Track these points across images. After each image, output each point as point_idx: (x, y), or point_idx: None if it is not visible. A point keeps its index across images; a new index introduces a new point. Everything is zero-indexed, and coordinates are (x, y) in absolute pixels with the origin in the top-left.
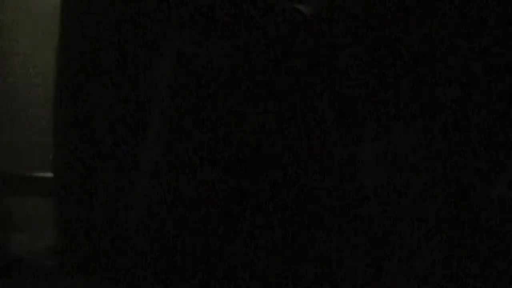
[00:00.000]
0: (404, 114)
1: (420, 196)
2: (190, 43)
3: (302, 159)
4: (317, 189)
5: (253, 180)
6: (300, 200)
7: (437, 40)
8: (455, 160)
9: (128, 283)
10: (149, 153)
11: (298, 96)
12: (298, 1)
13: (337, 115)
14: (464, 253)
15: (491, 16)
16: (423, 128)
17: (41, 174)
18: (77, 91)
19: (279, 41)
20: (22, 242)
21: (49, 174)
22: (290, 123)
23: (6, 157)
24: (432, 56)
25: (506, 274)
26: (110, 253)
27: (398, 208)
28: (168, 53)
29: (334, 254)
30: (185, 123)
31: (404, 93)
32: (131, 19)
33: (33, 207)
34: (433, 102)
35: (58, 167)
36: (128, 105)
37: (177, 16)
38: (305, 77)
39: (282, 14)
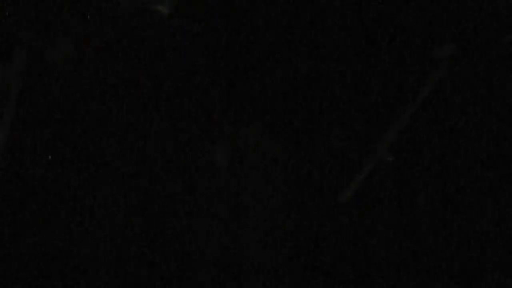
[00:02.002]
0: (248, 117)
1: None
2: (42, 41)
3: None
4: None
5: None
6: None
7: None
8: (303, 164)
9: None
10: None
11: (164, 96)
12: (157, 2)
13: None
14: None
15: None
16: (268, 131)
17: None
18: None
19: (136, 40)
20: None
21: None
22: (157, 123)
23: None
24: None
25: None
26: None
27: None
28: (19, 50)
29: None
30: (37, 120)
31: (244, 96)
32: None
33: None
34: (269, 106)
35: None
36: None
37: (27, 14)
38: (168, 75)
39: (140, 14)
